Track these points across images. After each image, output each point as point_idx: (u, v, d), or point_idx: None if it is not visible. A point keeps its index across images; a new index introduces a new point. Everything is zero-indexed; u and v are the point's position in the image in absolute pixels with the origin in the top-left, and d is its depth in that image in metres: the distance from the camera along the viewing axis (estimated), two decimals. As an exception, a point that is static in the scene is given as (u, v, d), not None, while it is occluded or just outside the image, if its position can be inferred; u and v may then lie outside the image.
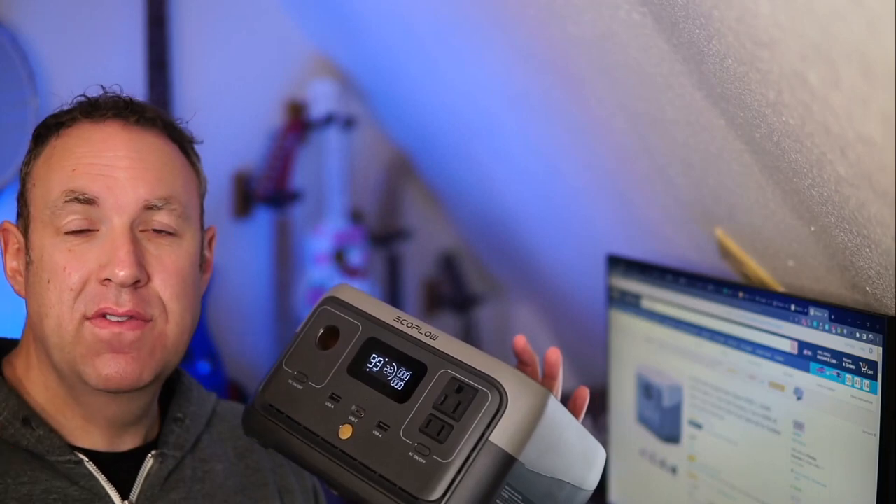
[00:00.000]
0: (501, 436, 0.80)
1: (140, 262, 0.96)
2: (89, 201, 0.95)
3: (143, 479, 1.00)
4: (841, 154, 0.92)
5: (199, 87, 2.12)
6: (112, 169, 0.96)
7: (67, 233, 0.96)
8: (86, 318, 0.95)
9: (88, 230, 0.96)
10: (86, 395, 0.98)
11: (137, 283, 0.95)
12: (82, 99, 1.02)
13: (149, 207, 0.97)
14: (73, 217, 0.95)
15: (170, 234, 0.99)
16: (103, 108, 0.99)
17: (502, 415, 0.80)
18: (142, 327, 0.96)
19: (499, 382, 0.82)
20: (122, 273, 0.94)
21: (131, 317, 0.95)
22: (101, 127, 0.99)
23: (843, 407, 1.17)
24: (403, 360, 0.87)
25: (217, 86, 2.17)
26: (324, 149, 2.32)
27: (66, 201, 0.95)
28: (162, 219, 0.98)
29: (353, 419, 0.86)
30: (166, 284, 0.98)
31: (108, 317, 0.95)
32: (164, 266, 0.98)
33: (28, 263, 0.99)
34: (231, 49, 2.21)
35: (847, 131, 0.88)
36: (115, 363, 0.95)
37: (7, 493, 0.93)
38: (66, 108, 1.02)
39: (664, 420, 1.51)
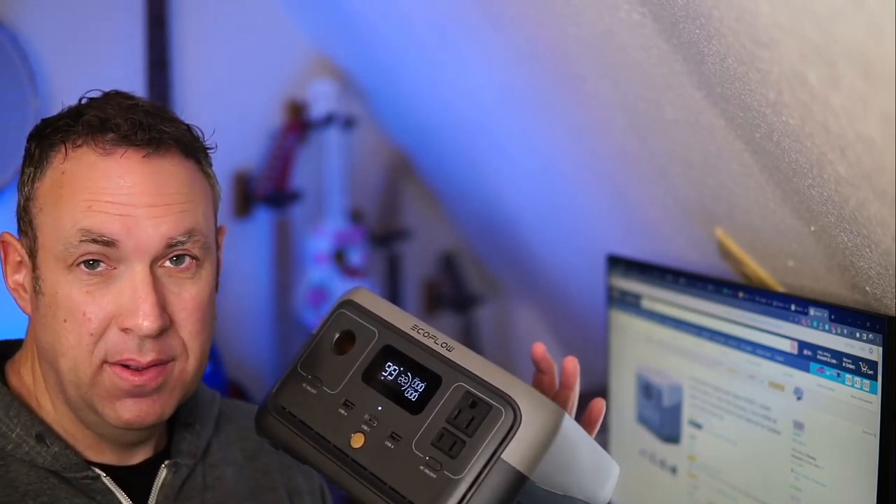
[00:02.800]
0: (514, 454, 0.79)
1: (163, 308, 0.92)
2: (107, 244, 0.91)
3: (157, 490, 1.00)
4: (841, 154, 0.92)
5: (199, 87, 2.11)
6: (131, 208, 0.91)
7: (82, 269, 0.91)
8: (105, 362, 0.92)
9: (106, 267, 0.92)
10: (99, 425, 0.97)
11: (161, 332, 0.93)
12: (85, 110, 0.94)
13: (171, 245, 0.93)
14: (89, 257, 0.91)
15: (191, 262, 0.95)
16: (114, 132, 0.92)
17: (515, 432, 0.80)
18: (163, 374, 0.94)
19: (513, 399, 0.81)
20: (147, 325, 0.91)
21: (153, 363, 0.93)
22: (115, 158, 0.92)
23: (843, 407, 1.16)
24: (418, 370, 0.86)
25: (217, 86, 2.16)
26: (324, 149, 2.32)
27: (81, 240, 0.90)
28: (185, 248, 0.94)
29: (365, 428, 0.85)
30: (186, 323, 0.95)
31: (130, 366, 0.93)
32: (184, 304, 0.94)
33: (37, 291, 0.94)
34: (231, 49, 2.21)
35: (847, 131, 0.88)
36: (136, 408, 0.94)
37: None
38: (65, 110, 0.96)
39: (664, 420, 1.51)
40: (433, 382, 0.85)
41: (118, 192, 0.91)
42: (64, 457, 0.95)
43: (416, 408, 0.84)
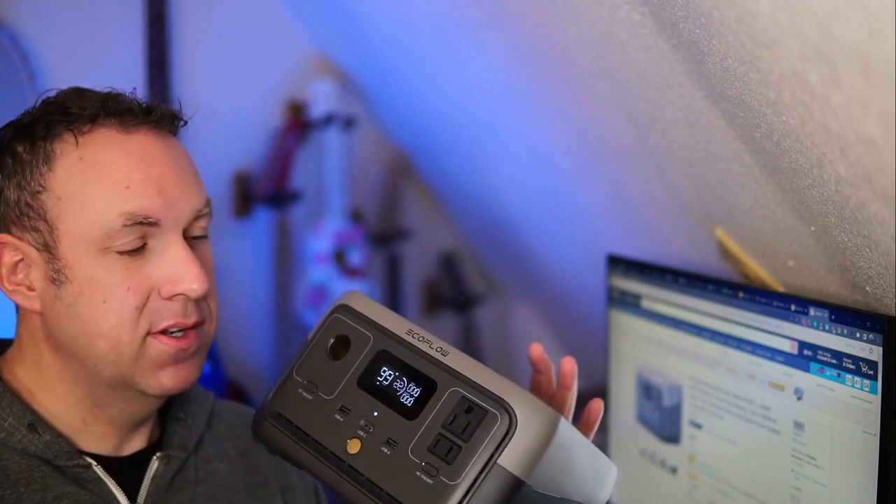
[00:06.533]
0: (510, 459, 0.79)
1: None
2: (152, 224, 0.93)
3: (149, 481, 1.00)
4: (841, 154, 0.92)
5: (199, 87, 2.12)
6: (163, 184, 0.94)
7: (120, 252, 0.93)
8: (149, 333, 0.95)
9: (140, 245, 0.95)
10: (116, 400, 0.98)
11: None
12: (67, 103, 0.96)
13: (199, 216, 0.98)
14: (133, 238, 0.93)
15: (202, 232, 1.00)
16: (130, 112, 0.95)
17: (511, 437, 0.80)
18: (199, 336, 0.98)
19: (509, 404, 0.81)
20: (198, 287, 0.94)
21: (195, 325, 0.97)
22: (135, 137, 0.95)
23: (843, 407, 1.17)
24: (414, 375, 0.86)
25: (217, 86, 2.17)
26: (324, 149, 2.32)
27: (125, 225, 0.92)
28: (203, 223, 0.99)
29: (361, 433, 0.85)
30: (210, 287, 0.99)
31: (172, 331, 0.95)
32: (206, 270, 0.98)
33: (58, 282, 0.94)
34: (231, 49, 2.21)
35: (847, 131, 0.88)
36: (177, 374, 0.96)
37: (21, 502, 0.93)
38: (34, 109, 0.97)
39: (664, 420, 1.51)
40: (428, 387, 0.85)
41: (148, 170, 0.94)
42: (55, 445, 0.96)
43: (412, 413, 0.84)
